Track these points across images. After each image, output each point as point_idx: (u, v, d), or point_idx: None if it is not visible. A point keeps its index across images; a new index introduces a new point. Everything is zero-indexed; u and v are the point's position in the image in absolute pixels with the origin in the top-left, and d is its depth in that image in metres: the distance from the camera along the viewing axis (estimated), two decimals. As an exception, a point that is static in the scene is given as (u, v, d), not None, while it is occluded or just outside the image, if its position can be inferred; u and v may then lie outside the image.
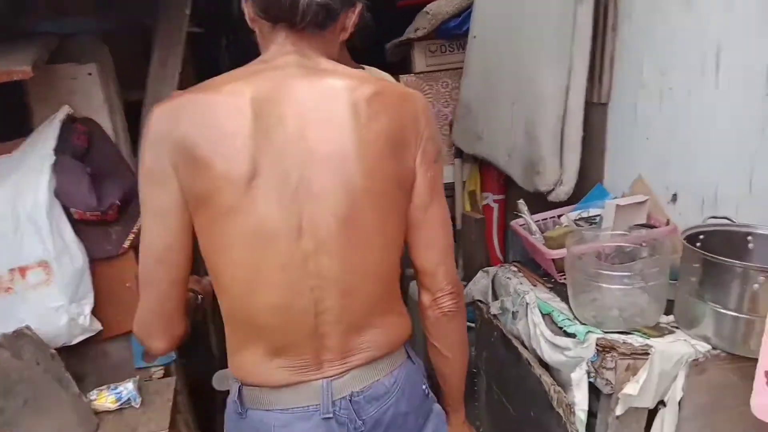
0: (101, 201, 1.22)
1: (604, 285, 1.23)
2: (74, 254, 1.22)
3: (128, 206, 1.32)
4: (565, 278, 1.42)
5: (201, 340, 2.20)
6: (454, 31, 2.39)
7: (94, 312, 1.34)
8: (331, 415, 0.89)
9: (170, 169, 0.81)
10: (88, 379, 1.40)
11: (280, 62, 0.85)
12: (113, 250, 1.33)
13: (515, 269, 1.70)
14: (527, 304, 1.45)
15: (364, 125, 0.83)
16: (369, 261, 0.88)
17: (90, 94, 1.31)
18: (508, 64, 1.98)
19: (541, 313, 1.39)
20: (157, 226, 0.85)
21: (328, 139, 0.83)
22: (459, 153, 2.54)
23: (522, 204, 1.76)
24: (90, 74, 1.32)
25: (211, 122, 0.80)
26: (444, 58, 2.53)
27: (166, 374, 1.49)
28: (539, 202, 1.84)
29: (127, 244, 1.35)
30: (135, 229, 1.34)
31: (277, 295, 0.84)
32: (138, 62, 1.54)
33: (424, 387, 1.01)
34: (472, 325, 2.13)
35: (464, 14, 2.34)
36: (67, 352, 1.34)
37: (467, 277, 2.49)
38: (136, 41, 1.68)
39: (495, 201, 2.57)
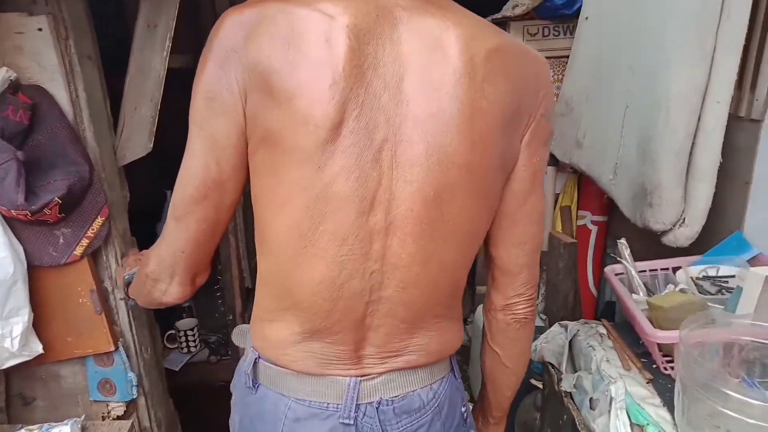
0: (33, 197, 0.94)
1: (731, 412, 0.78)
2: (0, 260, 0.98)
3: (79, 203, 1.04)
4: (672, 369, 0.99)
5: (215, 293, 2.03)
6: (561, 11, 1.99)
7: (37, 330, 1.10)
8: (351, 421, 0.80)
9: (237, 93, 0.70)
10: (37, 404, 1.19)
11: None
12: (59, 257, 1.07)
13: (604, 332, 1.27)
14: (612, 398, 1.03)
15: (478, 87, 0.71)
16: (448, 252, 0.77)
17: (40, 54, 0.99)
18: (627, 55, 1.53)
19: (630, 420, 0.97)
20: (208, 156, 0.73)
21: (431, 97, 0.70)
22: (554, 160, 2.10)
23: (623, 246, 1.33)
24: (40, 30, 0.98)
25: (297, 45, 0.68)
26: (546, 43, 2.11)
27: (126, 413, 1.24)
28: (649, 241, 1.40)
29: (78, 250, 1.08)
30: (90, 233, 1.07)
31: (329, 271, 0.74)
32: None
33: (463, 410, 0.91)
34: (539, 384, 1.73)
35: (575, -8, 1.92)
36: (13, 369, 1.12)
37: (548, 313, 2.09)
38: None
39: (594, 223, 2.14)
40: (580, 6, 1.90)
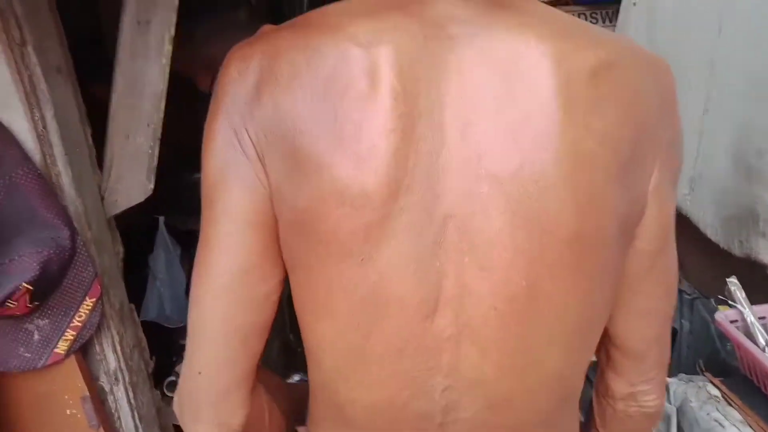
0: None
1: None
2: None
3: (58, 284, 0.77)
4: None
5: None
6: (600, -5, 1.80)
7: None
8: None
9: (255, 157, 0.56)
10: None
11: None
12: (34, 359, 0.79)
13: (717, 394, 1.07)
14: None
15: (581, 123, 0.53)
16: (552, 357, 0.60)
17: None
18: (703, 49, 1.34)
19: None
20: (229, 240, 0.58)
21: (511, 146, 0.53)
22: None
23: (735, 285, 1.13)
24: None
25: (321, 95, 0.53)
26: (584, 34, 1.91)
27: None
28: (753, 275, 1.19)
29: (61, 347, 0.80)
30: (76, 322, 0.78)
31: (386, 389, 0.61)
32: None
33: None
34: None
35: (618, -28, 1.78)
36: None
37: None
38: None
39: None
40: (624, -9, 1.73)
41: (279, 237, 0.60)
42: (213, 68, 1.29)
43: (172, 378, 1.85)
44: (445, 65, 0.54)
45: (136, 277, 1.33)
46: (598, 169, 0.54)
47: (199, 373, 0.61)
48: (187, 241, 1.48)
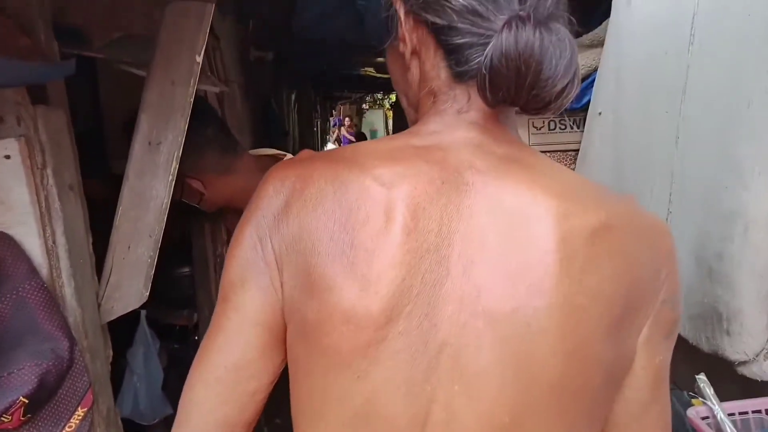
0: None
1: None
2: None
3: (53, 395, 0.77)
4: None
5: None
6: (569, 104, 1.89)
7: None
8: None
9: (275, 265, 0.61)
10: None
11: (453, 141, 0.62)
12: None
13: None
14: None
15: (575, 279, 0.56)
16: None
17: (7, 190, 0.76)
18: (664, 161, 1.42)
19: None
20: (232, 335, 0.62)
21: (508, 289, 0.56)
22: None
23: (704, 382, 1.16)
24: (8, 157, 0.75)
25: (342, 224, 0.58)
26: (552, 137, 2.03)
27: None
28: (717, 367, 1.22)
29: None
30: (68, 430, 0.77)
31: None
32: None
33: None
34: None
35: (584, 84, 1.85)
36: None
37: None
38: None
39: None
40: (590, 99, 1.84)
41: (285, 341, 0.63)
42: (181, 180, 1.32)
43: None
44: (458, 208, 0.58)
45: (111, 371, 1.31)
46: (587, 322, 0.56)
47: None
48: (166, 334, 1.47)
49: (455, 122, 0.63)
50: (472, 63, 0.60)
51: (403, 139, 0.64)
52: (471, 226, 0.57)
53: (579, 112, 1.90)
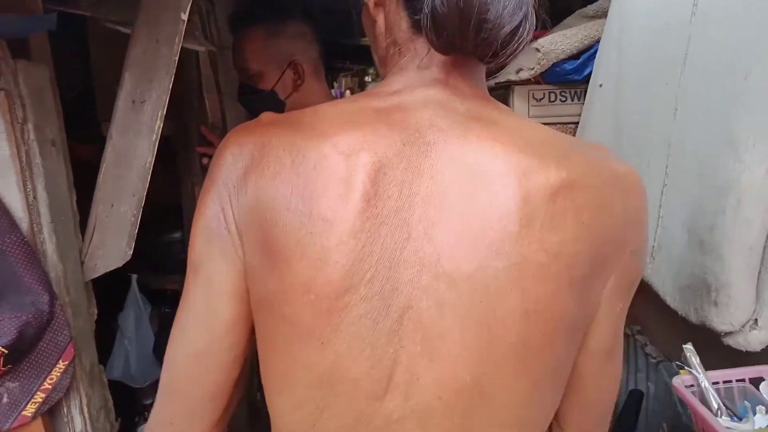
0: None
1: None
2: None
3: (33, 347, 0.77)
4: None
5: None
6: (569, 76, 1.88)
7: None
8: None
9: (235, 233, 0.60)
10: None
11: (414, 101, 0.61)
12: (0, 421, 0.78)
13: None
14: None
15: (535, 237, 0.55)
16: None
17: None
18: (662, 130, 1.41)
19: None
20: (206, 307, 0.62)
21: (469, 250, 0.55)
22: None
23: (690, 351, 1.17)
24: None
25: (302, 191, 0.56)
26: (552, 109, 2.00)
27: None
28: (706, 339, 1.22)
29: (29, 410, 0.79)
30: (47, 384, 0.78)
31: None
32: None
33: None
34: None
35: (585, 56, 1.83)
36: None
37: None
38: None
39: None
40: (591, 71, 1.81)
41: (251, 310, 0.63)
42: (282, 69, 1.35)
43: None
44: (419, 170, 0.57)
45: (102, 334, 1.33)
46: (549, 281, 0.56)
47: (171, 423, 0.64)
48: (157, 299, 1.48)
49: (417, 79, 0.62)
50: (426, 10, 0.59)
51: (363, 101, 0.63)
52: (432, 187, 0.56)
53: (580, 84, 1.87)
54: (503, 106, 0.64)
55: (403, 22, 0.63)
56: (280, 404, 0.63)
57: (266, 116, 0.63)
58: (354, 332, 0.57)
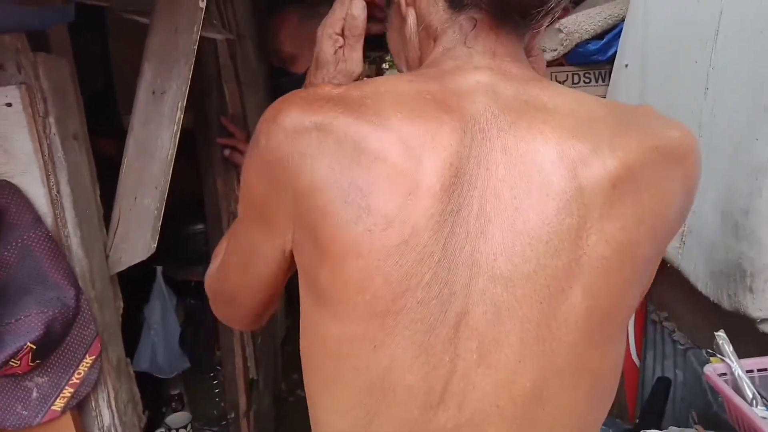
0: None
1: None
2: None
3: (60, 342, 0.78)
4: None
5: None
6: (594, 57, 1.84)
7: None
8: None
9: (287, 219, 0.58)
10: None
11: (468, 84, 0.57)
12: (30, 416, 0.79)
13: None
14: None
15: (596, 228, 0.53)
16: None
17: (9, 138, 0.75)
18: (690, 111, 1.37)
19: None
20: (246, 262, 0.65)
21: (526, 249, 0.53)
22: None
23: (723, 339, 1.13)
24: (9, 105, 0.74)
25: (361, 184, 0.53)
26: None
27: None
28: (737, 325, 1.19)
29: (58, 404, 0.80)
30: (75, 379, 0.79)
31: None
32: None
33: None
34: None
35: (609, 36, 1.79)
36: None
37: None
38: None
39: None
40: (615, 51, 1.77)
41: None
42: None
43: (162, 430, 1.82)
44: (477, 162, 0.54)
45: (128, 326, 1.34)
46: (610, 273, 0.54)
47: (233, 297, 0.70)
48: (182, 291, 1.49)
49: (464, 60, 0.60)
50: None
51: (421, 83, 0.59)
52: (488, 181, 0.54)
53: (604, 65, 1.83)
54: (546, 81, 0.61)
55: (440, 3, 0.61)
56: (326, 404, 0.61)
57: (325, 90, 0.58)
58: (409, 337, 0.55)
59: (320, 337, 0.59)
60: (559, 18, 0.63)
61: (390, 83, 0.59)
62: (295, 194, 0.56)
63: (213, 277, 0.73)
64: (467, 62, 0.60)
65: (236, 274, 0.68)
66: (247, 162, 0.61)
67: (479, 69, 0.59)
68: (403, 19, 0.66)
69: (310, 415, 0.65)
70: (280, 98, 0.59)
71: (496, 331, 0.54)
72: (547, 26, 0.62)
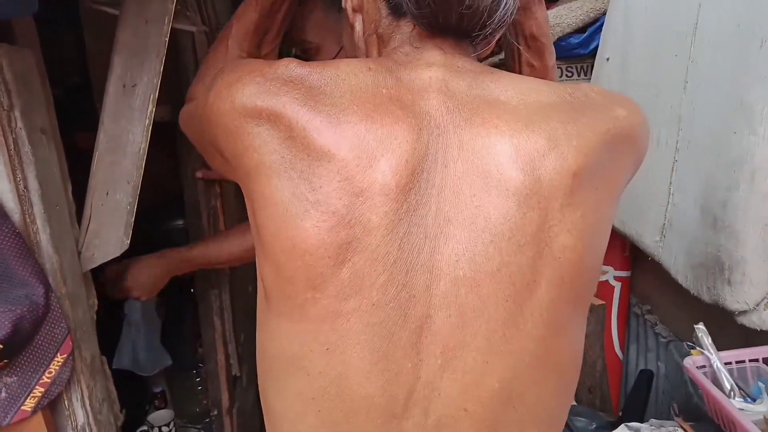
0: None
1: None
2: None
3: (29, 341, 0.75)
4: None
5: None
6: (576, 50, 1.84)
7: None
8: None
9: (267, 158, 0.54)
10: None
11: (421, 80, 0.56)
12: (0, 416, 0.76)
13: None
14: None
15: (557, 219, 0.52)
16: None
17: None
18: (671, 104, 1.38)
19: None
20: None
21: (489, 247, 0.51)
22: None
23: (702, 331, 1.14)
24: None
25: (311, 177, 0.52)
26: (558, 86, 1.94)
27: None
28: (717, 318, 1.20)
29: (29, 404, 0.77)
30: (45, 378, 0.77)
31: None
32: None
33: None
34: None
35: (591, 29, 1.79)
36: None
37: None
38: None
39: (617, 279, 1.96)
40: (597, 45, 1.78)
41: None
42: (340, 44, 1.33)
43: (144, 428, 1.79)
44: (434, 159, 0.53)
45: (109, 324, 1.32)
46: (574, 261, 0.53)
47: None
48: (164, 288, 1.46)
49: (415, 56, 0.59)
50: None
51: (380, 73, 0.58)
52: (446, 178, 0.53)
53: (586, 58, 1.83)
54: (498, 72, 0.60)
55: (383, 10, 0.60)
56: (279, 406, 0.59)
57: (289, 67, 0.56)
58: (366, 342, 0.52)
59: (270, 332, 0.57)
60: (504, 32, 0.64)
61: (350, 68, 0.57)
62: (240, 163, 0.56)
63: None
64: (418, 58, 0.59)
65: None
66: (201, 99, 0.62)
67: (431, 66, 0.58)
68: (352, 26, 0.65)
69: (265, 421, 0.62)
70: (244, 65, 0.59)
71: (461, 335, 0.53)
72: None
